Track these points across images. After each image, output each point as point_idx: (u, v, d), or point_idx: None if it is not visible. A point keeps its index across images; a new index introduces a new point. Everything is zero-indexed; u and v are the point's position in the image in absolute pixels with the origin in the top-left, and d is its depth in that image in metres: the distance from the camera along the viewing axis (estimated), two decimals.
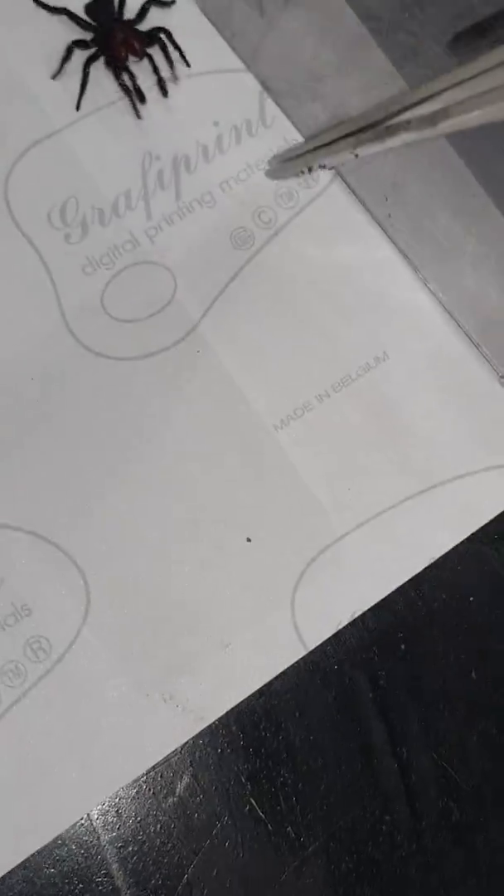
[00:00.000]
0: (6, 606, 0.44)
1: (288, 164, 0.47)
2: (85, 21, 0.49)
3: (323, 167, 0.45)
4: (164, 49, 0.49)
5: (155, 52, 0.49)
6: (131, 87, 0.49)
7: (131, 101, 0.49)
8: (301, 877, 0.44)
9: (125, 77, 0.48)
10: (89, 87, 0.49)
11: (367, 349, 0.50)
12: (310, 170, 0.46)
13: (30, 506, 0.46)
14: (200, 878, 0.43)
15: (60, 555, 0.45)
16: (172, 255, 0.49)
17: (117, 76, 0.48)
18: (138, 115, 0.49)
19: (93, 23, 0.49)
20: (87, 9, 0.50)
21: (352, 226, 0.50)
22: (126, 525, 0.46)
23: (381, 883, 0.44)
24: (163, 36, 0.49)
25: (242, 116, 0.51)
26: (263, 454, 0.48)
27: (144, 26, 0.50)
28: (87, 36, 0.49)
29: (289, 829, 0.44)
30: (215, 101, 0.51)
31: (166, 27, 0.49)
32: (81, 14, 0.50)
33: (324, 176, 0.51)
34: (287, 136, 0.51)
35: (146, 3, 0.50)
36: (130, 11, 0.50)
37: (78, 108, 0.49)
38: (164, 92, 0.49)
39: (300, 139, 0.51)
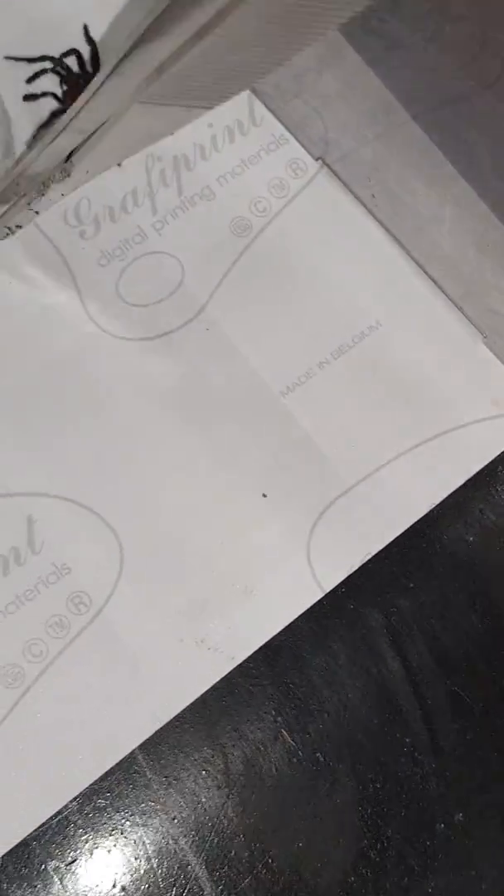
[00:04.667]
0: (48, 566, 0.49)
1: None
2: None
3: (20, 226, 0.50)
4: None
5: None
6: None
7: None
8: (332, 797, 0.48)
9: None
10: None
11: (360, 319, 0.54)
12: (10, 230, 0.51)
13: (64, 475, 0.50)
14: (240, 804, 0.47)
15: (94, 517, 0.50)
16: (178, 244, 0.54)
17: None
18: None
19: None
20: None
21: (339, 208, 0.55)
22: (151, 488, 0.50)
23: (406, 799, 0.48)
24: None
25: (234, 117, 0.56)
26: (273, 418, 0.52)
27: None
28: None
29: (318, 754, 0.48)
30: None
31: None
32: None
33: (311, 166, 0.56)
34: (274, 132, 0.57)
35: None
36: None
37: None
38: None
39: (286, 134, 0.56)
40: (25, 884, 0.45)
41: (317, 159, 0.56)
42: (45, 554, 0.49)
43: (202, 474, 0.51)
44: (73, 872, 0.45)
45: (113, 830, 0.46)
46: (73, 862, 0.46)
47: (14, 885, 0.45)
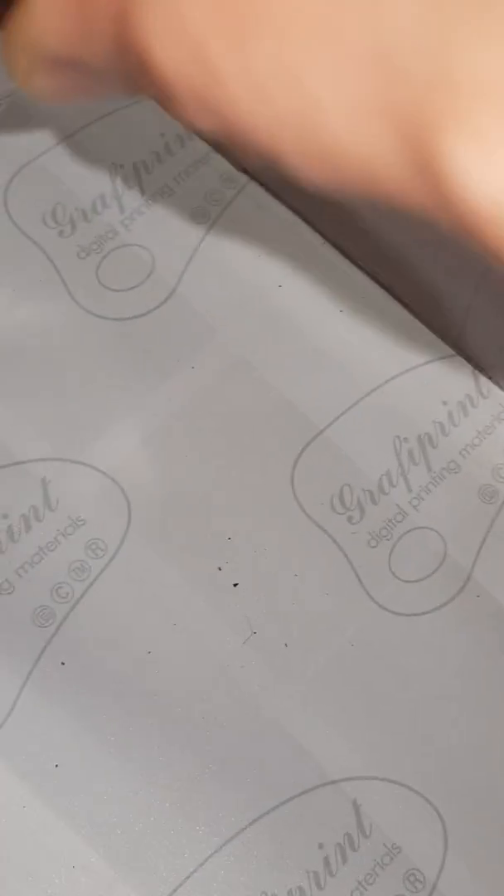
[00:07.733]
0: (380, 848, 0.52)
1: None
2: None
3: None
4: None
5: None
6: None
7: None
8: None
9: None
10: None
11: None
12: None
13: (377, 756, 0.54)
14: None
15: (413, 794, 0.53)
16: (437, 518, 0.59)
17: None
18: None
19: None
20: None
21: None
22: (459, 760, 0.54)
23: None
24: None
25: (463, 392, 0.62)
26: None
27: None
28: None
29: None
30: (439, 385, 0.62)
31: None
32: None
33: None
34: (502, 402, 0.62)
35: None
36: None
37: None
38: None
39: None
40: None
41: None
42: (376, 836, 0.52)
43: (499, 745, 0.55)
44: None
45: None
46: None
47: None
